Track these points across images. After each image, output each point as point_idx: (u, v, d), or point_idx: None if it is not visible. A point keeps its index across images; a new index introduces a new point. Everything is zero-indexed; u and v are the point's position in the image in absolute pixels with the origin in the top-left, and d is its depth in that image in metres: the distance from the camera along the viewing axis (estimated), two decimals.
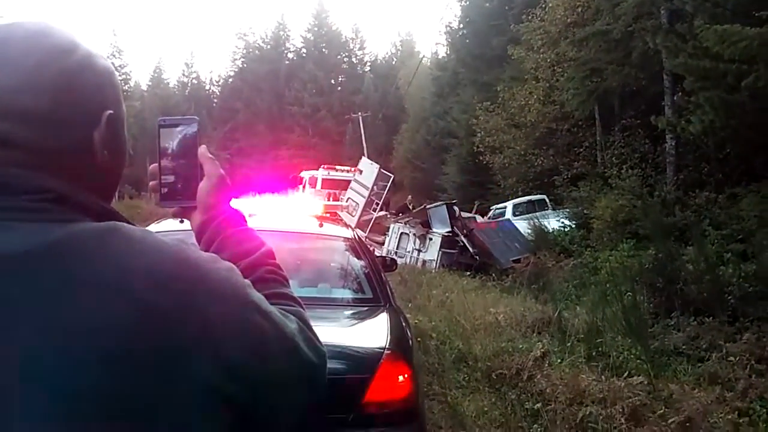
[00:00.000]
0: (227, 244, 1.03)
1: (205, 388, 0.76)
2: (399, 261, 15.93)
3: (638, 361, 6.34)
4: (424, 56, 57.21)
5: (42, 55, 0.83)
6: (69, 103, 0.84)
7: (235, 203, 1.12)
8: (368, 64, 69.88)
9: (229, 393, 0.78)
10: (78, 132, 0.85)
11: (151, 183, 1.09)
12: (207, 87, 74.27)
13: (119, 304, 0.73)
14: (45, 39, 0.85)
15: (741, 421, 4.95)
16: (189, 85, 72.29)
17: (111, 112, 0.88)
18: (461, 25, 40.09)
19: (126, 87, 58.36)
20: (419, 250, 17.57)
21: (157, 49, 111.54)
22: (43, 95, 0.82)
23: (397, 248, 17.99)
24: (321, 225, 4.73)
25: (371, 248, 16.52)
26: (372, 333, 3.55)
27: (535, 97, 21.66)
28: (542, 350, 6.41)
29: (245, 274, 0.94)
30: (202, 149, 1.07)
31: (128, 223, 0.85)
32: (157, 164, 1.08)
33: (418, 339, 7.30)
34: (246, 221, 1.10)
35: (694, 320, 7.90)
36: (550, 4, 20.48)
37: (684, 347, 7.19)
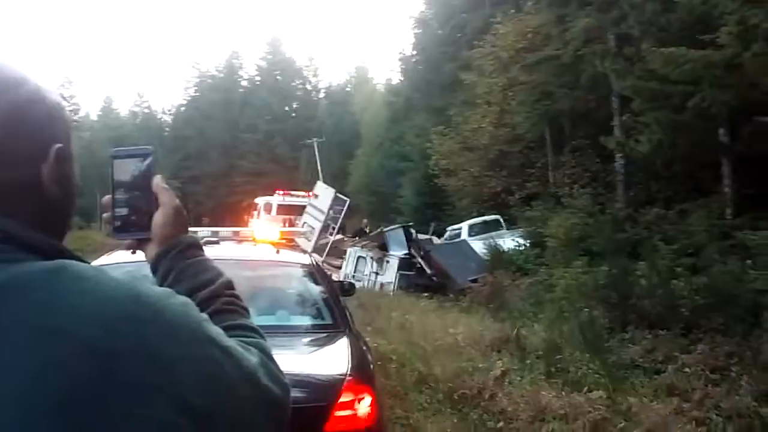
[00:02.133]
0: (184, 276, 1.01)
1: (162, 426, 0.73)
2: (357, 284, 15.92)
3: (597, 375, 6.43)
4: (376, 82, 57.74)
5: None
6: (17, 136, 0.81)
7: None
8: (323, 90, 70.04)
9: (186, 430, 0.75)
10: (26, 166, 0.82)
11: (104, 215, 1.06)
12: (159, 116, 73.44)
13: (67, 347, 0.70)
14: None
15: (699, 430, 5.04)
16: (140, 114, 71.42)
17: (60, 146, 0.86)
18: (414, 52, 40.63)
19: (76, 117, 57.34)
20: (377, 273, 17.54)
21: (108, 80, 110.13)
22: None
23: (354, 272, 17.93)
24: (278, 252, 4.69)
25: (329, 273, 16.50)
26: (332, 359, 3.52)
27: (488, 120, 21.97)
28: (502, 369, 6.46)
29: (203, 306, 0.92)
30: (157, 179, 1.04)
31: (79, 260, 0.82)
32: (110, 196, 1.05)
33: (379, 362, 7.26)
34: (203, 251, 1.07)
35: (649, 333, 8.06)
36: (501, 31, 20.91)
37: (641, 360, 7.32)
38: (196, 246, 1.06)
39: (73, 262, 0.79)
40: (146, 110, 72.11)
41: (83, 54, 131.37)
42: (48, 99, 0.87)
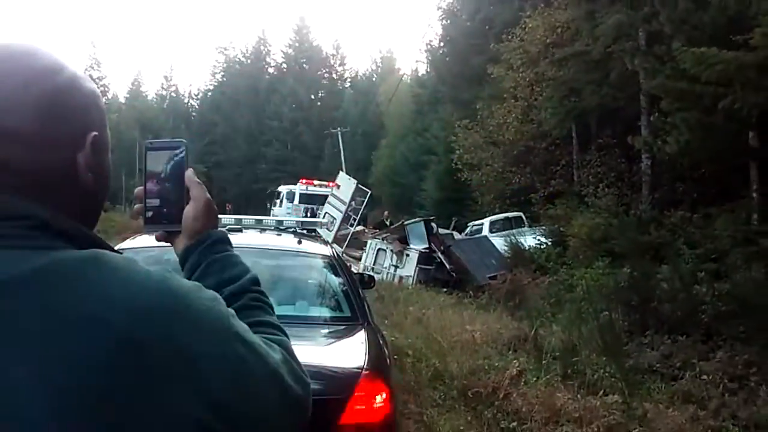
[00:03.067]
0: (212, 271, 1.02)
1: (186, 422, 0.75)
2: (376, 277, 15.96)
3: (613, 379, 6.38)
4: (404, 74, 57.53)
5: (28, 76, 0.82)
6: (53, 124, 0.83)
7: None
8: (348, 80, 70.17)
9: (210, 426, 0.77)
10: (62, 154, 0.84)
11: (136, 206, 1.08)
12: (186, 100, 74.01)
13: (98, 336, 0.72)
14: (31, 59, 0.84)
15: None
16: (167, 98, 71.98)
17: (96, 134, 0.87)
18: (442, 44, 40.33)
19: (104, 99, 57.80)
20: (396, 266, 17.54)
21: (136, 62, 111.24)
22: (27, 116, 0.80)
23: (374, 264, 17.95)
24: (299, 242, 4.71)
25: (348, 264, 16.54)
26: (349, 352, 3.52)
27: (514, 115, 21.82)
28: (518, 368, 6.43)
29: (230, 301, 0.94)
30: (189, 173, 1.06)
31: (111, 250, 0.84)
32: (142, 187, 1.07)
33: (395, 356, 7.28)
34: (231, 246, 1.08)
35: (668, 338, 7.98)
36: (530, 25, 20.71)
37: (658, 365, 7.26)
38: (225, 241, 1.08)
39: (106, 252, 0.81)
40: (173, 94, 72.67)
41: (112, 35, 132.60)
42: (84, 87, 0.88)
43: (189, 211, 1.05)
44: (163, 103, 70.98)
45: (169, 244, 1.10)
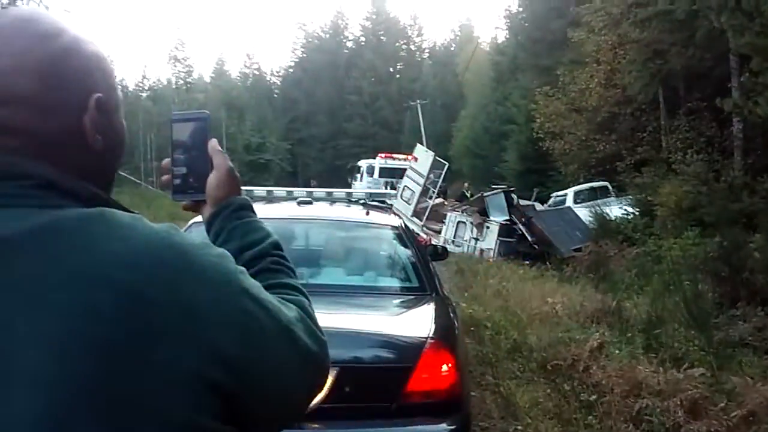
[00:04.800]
0: (234, 236, 1.04)
1: (191, 376, 0.75)
2: (456, 250, 15.95)
3: (701, 352, 6.12)
4: (481, 41, 56.55)
5: (28, 40, 0.83)
6: (55, 87, 0.84)
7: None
8: (426, 50, 69.64)
9: (217, 380, 0.77)
10: (66, 116, 0.85)
11: (163, 178, 1.12)
12: (268, 78, 75.42)
13: (100, 290, 0.73)
14: (31, 24, 0.85)
15: None
16: (250, 76, 73.53)
17: (100, 95, 0.88)
18: (520, 9, 39.41)
19: (189, 79, 59.76)
20: (476, 239, 17.40)
21: (219, 42, 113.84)
22: (29, 79, 0.82)
23: (454, 237, 17.87)
24: (368, 213, 4.73)
25: (427, 236, 16.54)
26: (416, 322, 3.52)
27: (596, 80, 21.08)
28: (599, 341, 6.26)
29: (250, 264, 0.95)
30: (213, 143, 1.09)
31: (121, 209, 0.84)
32: (169, 159, 1.11)
33: (472, 329, 7.27)
34: (254, 212, 1.10)
35: (761, 311, 7.59)
36: None
37: (750, 338, 6.91)
38: (248, 207, 1.10)
39: (113, 210, 0.82)
40: (256, 72, 74.16)
41: (195, 17, 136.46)
42: (86, 49, 0.89)
43: (212, 179, 1.08)
44: (246, 81, 72.51)
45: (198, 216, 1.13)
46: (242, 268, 0.87)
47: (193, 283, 0.78)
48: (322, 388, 0.98)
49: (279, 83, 74.20)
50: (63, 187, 0.81)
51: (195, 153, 1.09)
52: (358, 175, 28.72)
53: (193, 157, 1.09)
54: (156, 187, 45.00)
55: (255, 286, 0.86)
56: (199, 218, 1.14)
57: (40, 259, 0.74)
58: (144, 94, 58.56)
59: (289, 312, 0.89)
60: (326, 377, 0.97)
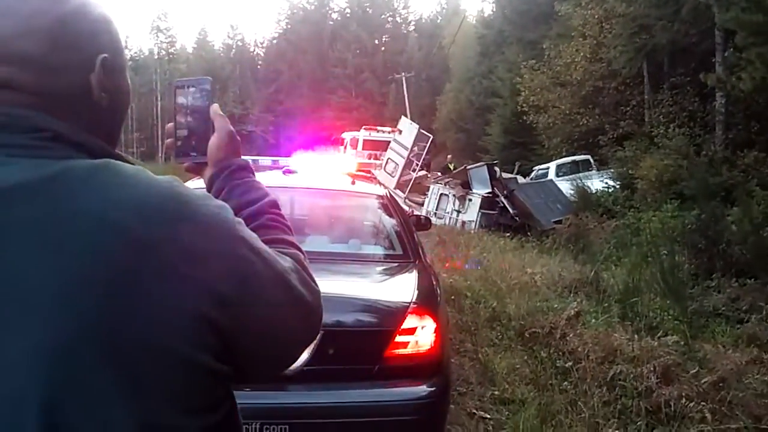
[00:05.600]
0: (233, 195, 1.09)
1: (192, 314, 0.80)
2: (438, 222, 16.02)
3: (675, 321, 6.27)
4: (468, 14, 56.13)
5: (38, 3, 0.88)
6: (64, 48, 0.88)
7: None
8: (412, 23, 68.97)
9: (215, 319, 0.82)
10: (74, 75, 0.90)
11: (167, 141, 1.17)
12: (251, 49, 74.49)
13: (105, 232, 0.78)
14: None
15: None
16: (234, 47, 72.57)
17: (105, 56, 0.92)
18: None
19: (172, 50, 58.91)
20: (458, 211, 17.49)
21: (203, 12, 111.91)
22: (39, 41, 0.86)
23: (436, 209, 17.94)
24: (353, 182, 4.77)
25: (410, 208, 16.59)
26: (399, 287, 3.59)
27: (582, 54, 21.10)
28: (576, 310, 6.39)
29: (248, 221, 0.99)
30: (214, 107, 1.14)
31: (126, 161, 0.90)
32: (172, 123, 1.15)
33: (453, 297, 7.36)
34: (253, 174, 1.15)
35: (735, 282, 7.75)
36: None
37: (723, 309, 7.07)
38: (247, 168, 1.15)
39: (118, 162, 0.87)
40: (239, 43, 73.18)
41: None
42: (93, 12, 0.93)
43: (213, 141, 1.13)
44: (230, 52, 71.60)
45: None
46: (239, 220, 0.92)
47: (194, 229, 0.83)
48: (315, 336, 1.03)
49: (262, 54, 73.36)
50: (72, 140, 0.86)
51: (197, 117, 1.14)
52: (342, 147, 28.63)
53: (196, 121, 1.14)
54: (136, 157, 44.64)
55: (252, 236, 0.91)
56: (192, 182, 1.18)
57: (52, 203, 0.79)
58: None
59: (285, 262, 0.95)
60: (319, 325, 1.01)
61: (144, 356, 0.77)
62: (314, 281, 1.00)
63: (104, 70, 0.92)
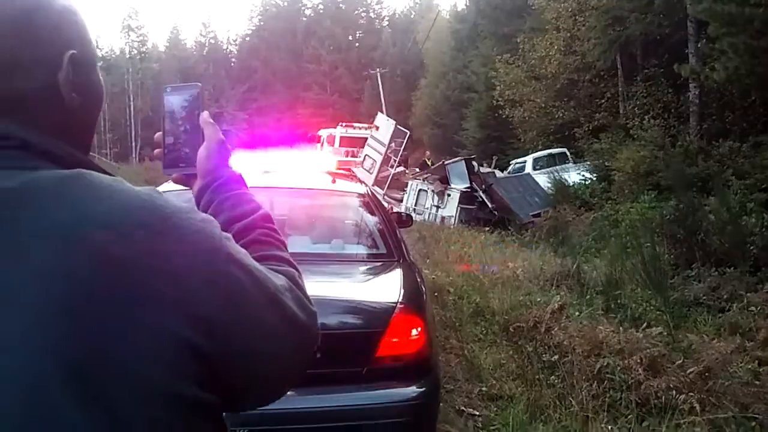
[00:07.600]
0: (223, 208, 1.01)
1: (172, 341, 0.73)
2: (418, 218, 16.01)
3: (657, 312, 6.31)
4: (441, 9, 56.24)
5: None
6: (26, 44, 0.80)
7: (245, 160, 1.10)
8: (386, 18, 68.86)
9: (199, 345, 0.75)
10: (39, 75, 0.82)
11: (155, 151, 1.08)
12: (225, 47, 73.87)
13: (76, 251, 0.70)
14: None
15: (761, 369, 4.92)
16: (206, 45, 71.90)
17: (73, 52, 0.84)
18: None
19: (143, 48, 58.17)
20: (438, 207, 17.50)
21: (175, 10, 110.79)
22: (1, 36, 0.79)
23: (415, 205, 17.93)
24: (334, 181, 4.71)
25: (389, 205, 16.56)
26: (385, 287, 3.54)
27: (556, 47, 21.24)
28: (560, 303, 6.38)
29: (239, 236, 0.93)
30: (204, 115, 1.06)
31: (101, 171, 0.82)
32: (161, 132, 1.08)
33: (435, 294, 7.32)
34: (245, 185, 1.07)
35: (715, 271, 7.81)
36: None
37: (704, 298, 7.13)
38: (238, 180, 1.06)
39: (92, 171, 0.79)
40: (212, 40, 72.53)
41: None
42: (55, 5, 0.85)
43: (202, 150, 1.04)
44: (203, 50, 70.92)
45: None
46: (227, 235, 0.85)
47: (174, 246, 0.76)
48: (311, 360, 0.93)
49: (236, 52, 72.74)
50: (39, 149, 0.78)
51: (186, 125, 1.06)
52: (319, 144, 28.48)
53: (185, 129, 1.06)
54: (109, 159, 44.08)
55: (240, 252, 0.84)
56: (168, 187, 1.10)
57: (13, 221, 0.71)
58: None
59: (277, 280, 0.87)
60: (315, 347, 0.93)
61: (121, 389, 0.70)
62: (310, 301, 0.92)
63: (73, 67, 0.84)
